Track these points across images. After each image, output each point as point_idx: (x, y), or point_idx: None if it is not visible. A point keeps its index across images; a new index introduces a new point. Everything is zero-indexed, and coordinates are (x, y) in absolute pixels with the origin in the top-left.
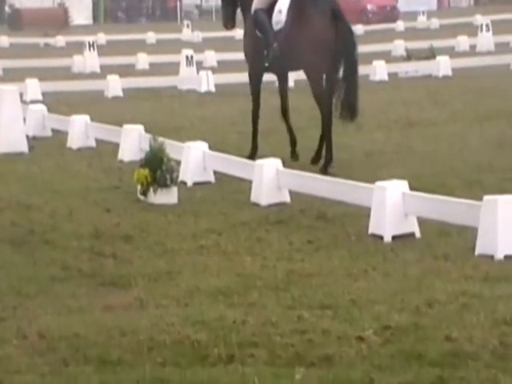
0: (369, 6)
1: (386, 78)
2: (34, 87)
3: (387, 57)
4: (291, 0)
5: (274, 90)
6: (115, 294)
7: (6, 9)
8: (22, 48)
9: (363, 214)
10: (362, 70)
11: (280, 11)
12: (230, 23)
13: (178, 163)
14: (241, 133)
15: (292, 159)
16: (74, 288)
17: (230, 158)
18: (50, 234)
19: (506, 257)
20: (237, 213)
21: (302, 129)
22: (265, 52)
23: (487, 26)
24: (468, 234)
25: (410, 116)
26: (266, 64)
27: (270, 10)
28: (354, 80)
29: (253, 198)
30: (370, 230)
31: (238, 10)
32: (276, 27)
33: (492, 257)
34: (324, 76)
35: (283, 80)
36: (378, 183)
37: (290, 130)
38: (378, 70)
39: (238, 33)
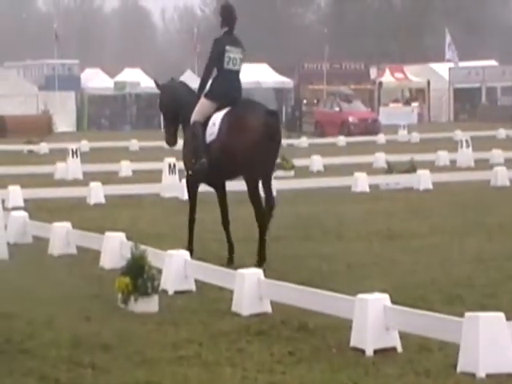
0: (350, 119)
1: (367, 189)
2: (16, 194)
3: (368, 169)
4: (225, 112)
5: (245, 198)
6: None
7: None
8: (6, 155)
9: (344, 325)
10: (343, 181)
11: (214, 124)
12: (172, 140)
13: (160, 271)
14: (221, 241)
15: (228, 265)
16: None
17: (211, 267)
18: (28, 343)
19: (487, 375)
20: (218, 322)
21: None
22: (193, 160)
23: (467, 141)
24: (449, 350)
25: (390, 227)
26: (190, 172)
27: (206, 122)
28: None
29: (234, 308)
30: (352, 343)
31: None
32: (209, 138)
33: (474, 375)
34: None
35: (221, 190)
36: (360, 295)
37: (229, 240)
38: (359, 182)
39: None
